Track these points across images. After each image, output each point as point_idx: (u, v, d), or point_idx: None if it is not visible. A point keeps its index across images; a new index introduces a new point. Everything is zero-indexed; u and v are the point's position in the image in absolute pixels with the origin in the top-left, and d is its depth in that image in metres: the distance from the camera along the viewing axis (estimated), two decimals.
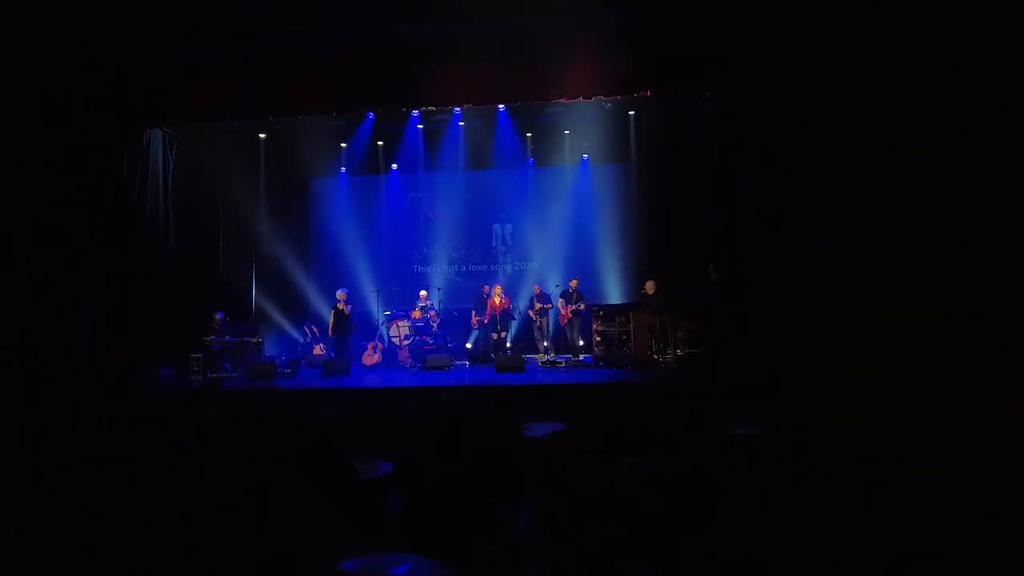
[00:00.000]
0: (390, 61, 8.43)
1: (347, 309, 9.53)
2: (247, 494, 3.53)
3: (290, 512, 3.60)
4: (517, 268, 12.46)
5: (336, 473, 3.95)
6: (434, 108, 10.06)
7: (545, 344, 10.56)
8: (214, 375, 8.20)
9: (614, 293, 11.49)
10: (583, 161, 12.06)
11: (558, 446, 4.43)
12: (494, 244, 12.62)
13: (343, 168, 12.41)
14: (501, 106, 10.64)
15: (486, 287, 10.75)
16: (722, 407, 5.60)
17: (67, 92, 8.21)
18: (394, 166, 12.38)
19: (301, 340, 11.24)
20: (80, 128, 8.36)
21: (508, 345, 10.78)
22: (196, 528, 3.34)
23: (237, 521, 3.42)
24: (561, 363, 9.47)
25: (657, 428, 4.09)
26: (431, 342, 9.84)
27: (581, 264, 11.76)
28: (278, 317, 11.63)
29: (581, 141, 11.85)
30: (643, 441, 3.85)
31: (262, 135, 11.23)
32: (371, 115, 11.00)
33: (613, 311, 9.19)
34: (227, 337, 9.35)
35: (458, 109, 10.91)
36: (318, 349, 10.71)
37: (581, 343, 10.46)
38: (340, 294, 9.59)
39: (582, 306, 10.01)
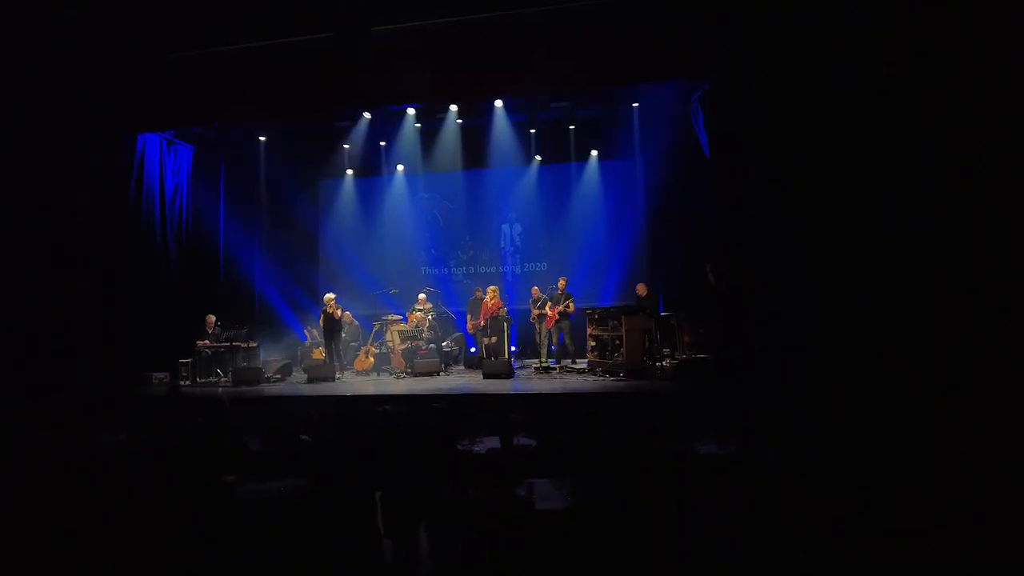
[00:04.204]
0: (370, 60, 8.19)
1: (337, 313, 9.32)
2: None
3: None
4: (527, 269, 12.10)
5: (215, 495, 3.71)
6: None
7: (553, 348, 10.17)
8: (172, 382, 8.12)
9: (624, 295, 10.97)
10: (591, 158, 11.59)
11: (490, 466, 4.10)
12: (503, 245, 12.29)
13: (349, 170, 12.32)
14: (498, 103, 10.32)
15: (478, 290, 10.45)
16: (692, 422, 5.15)
17: (59, 97, 8.28)
18: (400, 167, 12.21)
19: (303, 343, 11.17)
20: (72, 133, 8.42)
21: (514, 348, 10.43)
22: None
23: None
24: (555, 369, 9.05)
25: (579, 449, 3.70)
26: (424, 347, 9.57)
27: (592, 265, 11.33)
28: (284, 320, 11.63)
29: (587, 137, 11.41)
30: (554, 463, 3.46)
31: (262, 138, 11.20)
32: (367, 115, 10.82)
33: (606, 314, 8.64)
34: (212, 342, 9.32)
35: (454, 107, 10.64)
36: (317, 353, 10.58)
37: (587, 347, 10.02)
38: (328, 298, 9.39)
39: (571, 307, 9.43)
